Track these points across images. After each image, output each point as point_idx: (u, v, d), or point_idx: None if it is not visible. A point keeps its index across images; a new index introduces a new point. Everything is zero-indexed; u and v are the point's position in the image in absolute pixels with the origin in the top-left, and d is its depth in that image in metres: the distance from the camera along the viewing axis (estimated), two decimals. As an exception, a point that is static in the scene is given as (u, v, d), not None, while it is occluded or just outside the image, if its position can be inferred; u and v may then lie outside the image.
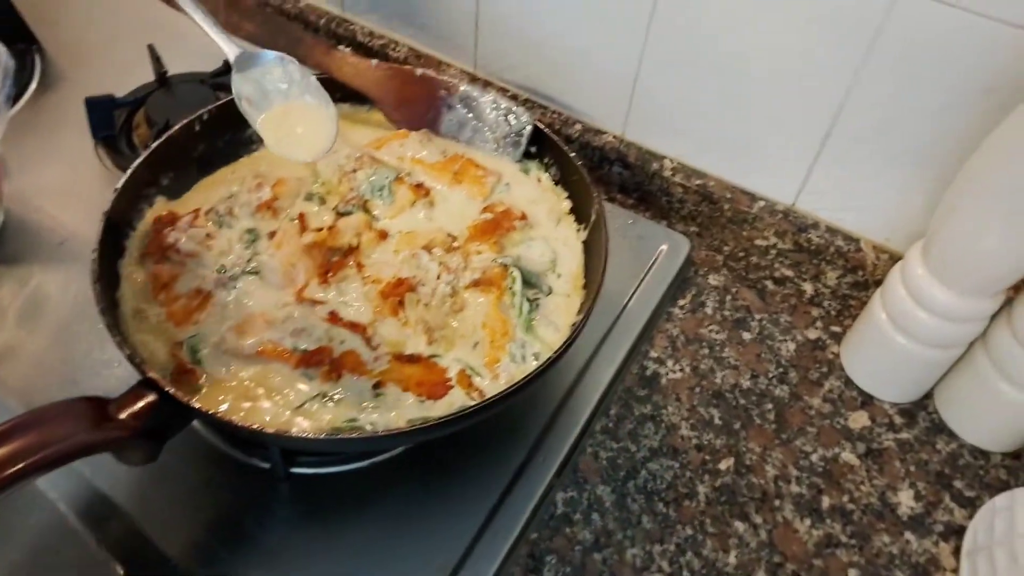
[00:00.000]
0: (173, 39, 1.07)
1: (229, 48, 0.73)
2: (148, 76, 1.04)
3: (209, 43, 1.07)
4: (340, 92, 0.88)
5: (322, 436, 0.60)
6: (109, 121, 0.99)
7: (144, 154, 0.76)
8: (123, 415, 0.58)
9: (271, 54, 0.74)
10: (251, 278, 0.72)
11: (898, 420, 0.84)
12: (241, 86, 0.73)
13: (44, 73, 1.09)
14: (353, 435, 0.62)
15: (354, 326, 0.69)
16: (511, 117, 0.84)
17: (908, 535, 0.75)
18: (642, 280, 0.91)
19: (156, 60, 1.03)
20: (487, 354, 0.71)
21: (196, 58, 1.07)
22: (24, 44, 1.09)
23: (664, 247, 0.94)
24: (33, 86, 1.07)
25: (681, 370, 0.86)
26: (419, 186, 0.81)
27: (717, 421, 0.82)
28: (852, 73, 0.80)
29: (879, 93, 0.80)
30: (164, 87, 1.03)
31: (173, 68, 1.04)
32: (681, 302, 0.93)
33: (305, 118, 0.74)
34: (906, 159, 0.83)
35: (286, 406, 0.64)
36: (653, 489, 0.77)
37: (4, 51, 0.84)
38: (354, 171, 0.80)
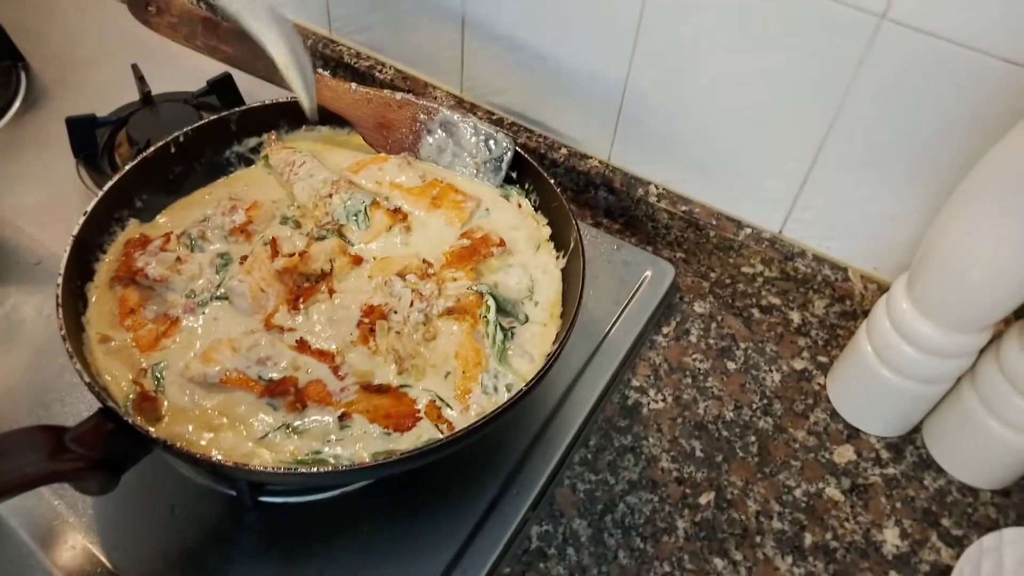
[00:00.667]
0: (158, 58, 1.06)
1: None
2: (133, 95, 1.04)
3: (193, 63, 1.07)
4: (319, 115, 0.87)
5: (281, 470, 0.59)
6: (91, 140, 0.98)
7: (116, 177, 0.75)
8: (80, 445, 0.57)
9: None
10: (220, 303, 0.71)
11: (885, 455, 0.82)
12: None
13: (28, 90, 1.08)
14: (314, 469, 0.60)
15: (322, 354, 0.68)
16: (491, 143, 0.83)
17: (893, 575, 0.73)
18: (625, 307, 0.89)
19: (140, 79, 1.02)
20: (458, 385, 0.69)
21: (180, 78, 1.06)
22: (9, 61, 1.08)
23: (649, 273, 0.93)
24: (17, 103, 1.07)
25: (663, 400, 0.85)
26: (396, 211, 0.80)
27: (699, 453, 0.81)
28: (838, 101, 0.79)
29: (865, 121, 0.79)
30: (148, 106, 1.02)
31: (157, 87, 1.04)
32: (665, 330, 0.91)
33: None
34: (893, 187, 0.82)
35: (249, 437, 0.63)
36: (631, 523, 0.75)
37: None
38: (330, 195, 0.79)
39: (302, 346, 0.68)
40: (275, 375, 0.65)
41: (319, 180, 0.80)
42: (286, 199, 0.81)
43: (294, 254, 0.73)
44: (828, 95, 0.79)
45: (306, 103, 0.80)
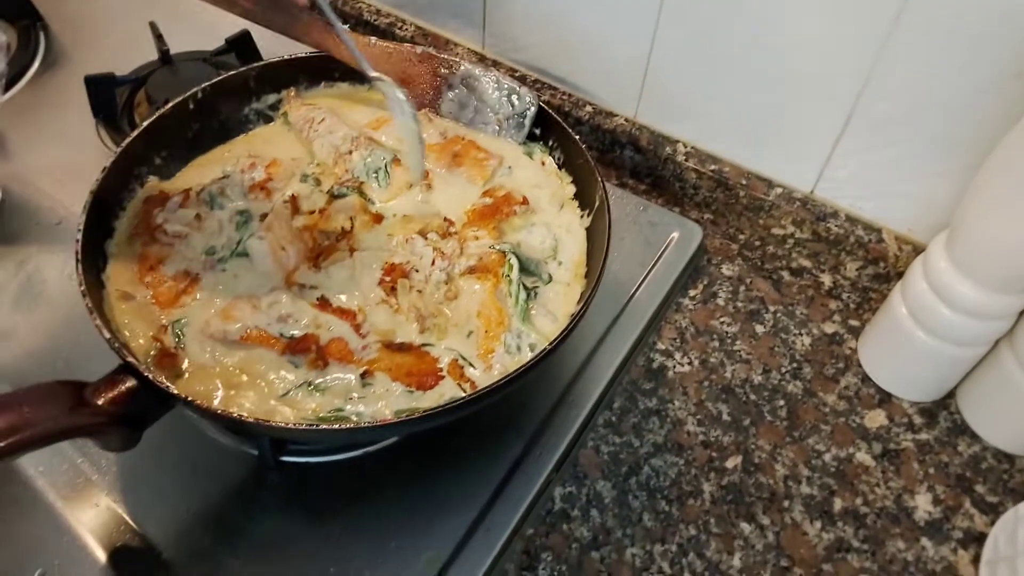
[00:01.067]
0: (176, 17, 1.05)
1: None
2: (151, 54, 1.03)
3: (211, 22, 1.06)
4: (338, 71, 0.85)
5: (304, 426, 0.58)
6: (110, 99, 0.97)
7: (135, 133, 0.74)
8: (101, 400, 0.57)
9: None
10: (240, 261, 0.70)
11: (918, 420, 0.80)
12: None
13: (47, 51, 1.08)
14: (337, 426, 0.59)
15: (343, 312, 0.67)
16: (514, 98, 0.81)
17: (924, 541, 0.71)
18: (652, 268, 0.87)
19: (158, 38, 1.01)
20: (481, 344, 0.68)
21: (198, 36, 1.05)
22: (29, 20, 1.07)
23: (676, 234, 0.90)
24: (36, 64, 1.06)
25: (689, 363, 0.83)
26: None
27: (726, 417, 0.79)
28: (874, 54, 0.75)
29: (903, 75, 0.76)
30: (166, 65, 1.01)
31: (175, 46, 1.02)
32: (692, 292, 0.89)
33: None
34: (931, 145, 0.79)
35: (271, 394, 0.62)
36: (656, 486, 0.74)
37: (3, 38, 0.83)
38: (350, 152, 0.77)
39: (323, 304, 0.67)
40: (296, 332, 0.64)
41: (339, 137, 0.79)
42: (306, 156, 0.80)
43: (314, 211, 0.72)
44: (864, 49, 0.76)
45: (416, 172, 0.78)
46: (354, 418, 0.61)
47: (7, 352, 0.78)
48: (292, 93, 0.85)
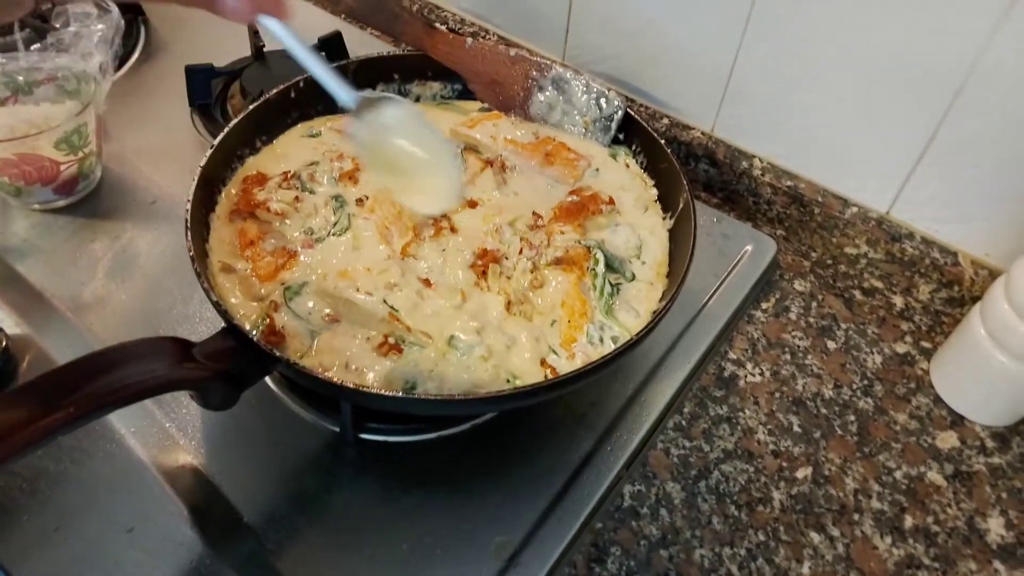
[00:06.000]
0: (272, 15, 1.09)
1: (346, 94, 0.65)
2: (245, 50, 1.07)
3: (305, 21, 1.10)
4: (431, 70, 0.89)
5: (397, 394, 0.60)
6: (207, 89, 1.01)
7: (243, 114, 0.77)
8: (205, 358, 0.59)
9: (393, 101, 0.66)
10: (339, 239, 0.73)
11: (990, 444, 0.79)
12: (358, 130, 0.66)
13: (147, 42, 1.13)
14: (425, 396, 0.61)
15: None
16: (602, 101, 0.83)
17: (997, 564, 0.70)
18: (724, 279, 0.88)
19: (254, 34, 1.05)
20: (564, 333, 0.69)
21: (292, 35, 1.09)
22: (131, 14, 1.13)
23: (749, 248, 0.91)
24: (136, 53, 1.11)
25: (761, 374, 0.83)
26: (488, 160, 0.82)
27: (796, 428, 0.79)
28: (964, 74, 0.76)
29: (991, 96, 0.76)
30: (259, 61, 1.05)
31: (269, 44, 1.07)
32: (764, 305, 0.90)
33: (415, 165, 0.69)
34: (1015, 169, 0.79)
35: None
36: (725, 491, 0.74)
37: (116, 10, 0.88)
38: None
39: (427, 284, 0.70)
40: (395, 304, 0.67)
41: None
42: None
43: None
44: (953, 68, 0.77)
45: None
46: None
47: (101, 319, 0.82)
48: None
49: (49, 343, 0.78)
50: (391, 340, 0.66)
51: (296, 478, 0.71)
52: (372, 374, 0.65)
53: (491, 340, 0.67)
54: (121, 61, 1.09)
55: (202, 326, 0.81)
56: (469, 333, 0.67)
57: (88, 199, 0.93)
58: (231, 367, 0.59)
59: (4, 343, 0.75)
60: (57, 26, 0.91)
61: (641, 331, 0.65)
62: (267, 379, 0.76)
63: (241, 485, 0.70)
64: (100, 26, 0.89)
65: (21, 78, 0.89)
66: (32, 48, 0.89)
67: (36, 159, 0.85)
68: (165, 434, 0.73)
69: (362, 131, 0.65)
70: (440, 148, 0.68)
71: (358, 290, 0.68)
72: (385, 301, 0.67)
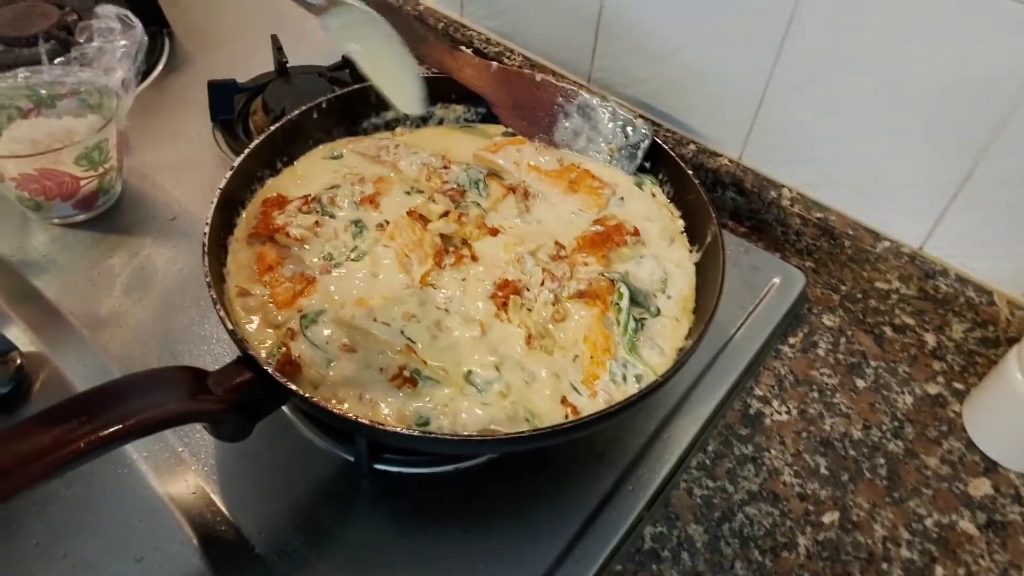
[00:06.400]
0: (295, 31, 1.09)
1: None
2: (268, 65, 1.06)
3: (326, 41, 1.10)
4: (456, 93, 0.87)
5: (413, 432, 0.58)
6: (229, 105, 1.01)
7: (263, 135, 0.76)
8: (220, 388, 0.58)
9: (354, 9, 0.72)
10: (358, 264, 0.71)
11: (1026, 492, 0.76)
12: (329, 23, 0.72)
13: (171, 55, 1.13)
14: (441, 435, 0.59)
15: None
16: (629, 129, 0.81)
17: (1033, 621, 0.68)
18: (751, 312, 0.86)
19: (278, 50, 1.05)
20: (586, 370, 0.67)
21: (316, 52, 1.08)
22: (156, 27, 1.13)
23: (777, 280, 0.89)
24: (160, 67, 1.11)
25: (787, 412, 0.81)
26: (510, 186, 0.80)
27: (823, 471, 0.76)
28: (1007, 107, 0.74)
29: (1036, 133, 0.74)
30: (283, 77, 1.04)
31: (293, 60, 1.06)
32: (792, 340, 0.87)
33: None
34: (1059, 207, 0.76)
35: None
36: (749, 535, 0.72)
37: (140, 27, 0.87)
38: (445, 167, 0.80)
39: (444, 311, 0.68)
40: (412, 336, 0.65)
41: (425, 155, 0.81)
42: (395, 176, 0.81)
43: (447, 212, 0.74)
44: (995, 102, 0.74)
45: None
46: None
47: (117, 335, 0.81)
48: (399, 131, 0.87)
49: (63, 362, 0.77)
50: (406, 373, 0.64)
51: (309, 509, 0.70)
52: (386, 407, 0.63)
53: (510, 376, 0.65)
54: (144, 74, 1.08)
55: (219, 347, 0.80)
56: (487, 368, 0.65)
57: (108, 214, 0.92)
58: (245, 398, 0.58)
59: (19, 361, 0.74)
60: (81, 41, 0.90)
61: (668, 371, 0.63)
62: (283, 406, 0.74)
63: (253, 514, 0.68)
64: (124, 42, 0.88)
65: (44, 91, 0.89)
66: (56, 62, 0.89)
67: (57, 174, 0.85)
68: (178, 459, 0.71)
69: (333, 24, 0.69)
70: (395, 62, 0.73)
71: (375, 319, 0.67)
72: (403, 332, 0.65)
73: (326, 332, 0.66)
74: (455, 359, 0.66)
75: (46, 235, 0.90)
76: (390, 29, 0.73)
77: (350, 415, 0.57)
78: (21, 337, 0.79)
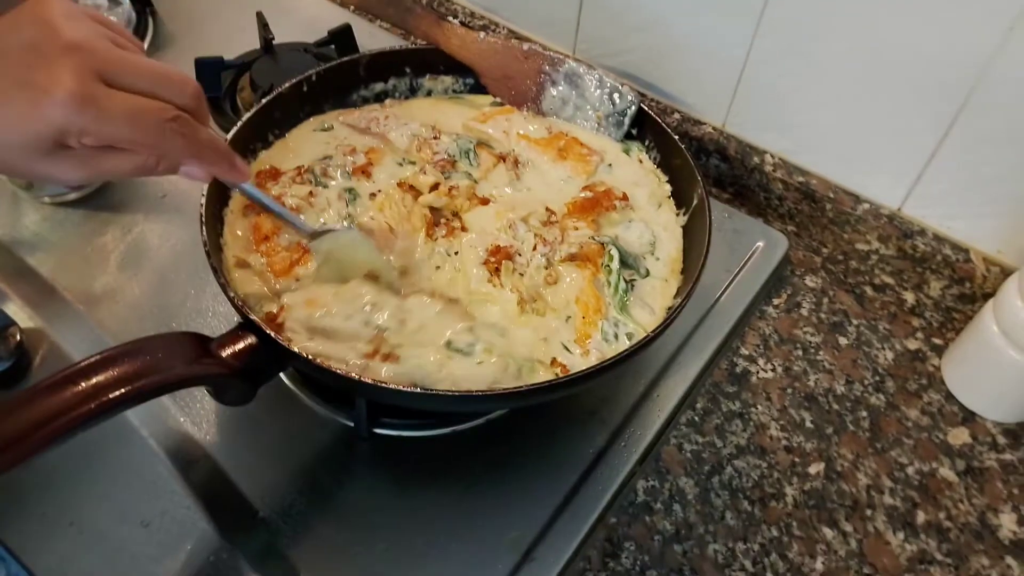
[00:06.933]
0: (280, 8, 1.09)
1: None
2: (254, 43, 1.06)
3: (314, 14, 1.10)
4: (444, 64, 0.88)
5: (418, 389, 0.60)
6: (216, 82, 1.01)
7: (255, 109, 0.77)
8: (223, 353, 0.59)
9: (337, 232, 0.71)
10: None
11: (1002, 440, 0.79)
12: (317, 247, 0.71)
13: (155, 34, 1.12)
14: (440, 391, 0.61)
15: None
16: (616, 96, 0.83)
17: (1009, 560, 0.71)
18: (736, 275, 0.88)
19: (264, 27, 1.05)
20: (578, 329, 0.69)
21: (301, 28, 1.09)
22: (139, 5, 1.12)
23: (761, 244, 0.91)
24: (145, 46, 1.10)
25: (773, 370, 0.83)
26: (500, 155, 0.81)
27: (808, 424, 0.79)
28: (980, 70, 0.76)
29: (1005, 94, 0.76)
30: (269, 53, 1.04)
31: (279, 37, 1.06)
32: (776, 301, 0.90)
33: None
34: (1031, 166, 0.79)
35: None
36: (738, 486, 0.74)
37: (127, 3, 0.87)
38: (435, 137, 0.81)
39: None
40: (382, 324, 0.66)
41: (415, 126, 0.82)
42: (386, 147, 0.82)
43: (438, 184, 0.75)
44: (968, 64, 0.76)
45: None
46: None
47: (113, 311, 0.81)
48: (388, 103, 0.88)
49: (62, 337, 0.78)
50: (382, 351, 0.65)
51: (310, 472, 0.72)
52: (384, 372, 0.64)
53: (488, 336, 0.66)
54: (129, 53, 1.08)
55: (215, 320, 0.81)
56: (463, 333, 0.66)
57: (98, 193, 0.92)
58: (248, 363, 0.59)
59: (19, 337, 0.75)
60: (67, 18, 0.90)
61: (656, 328, 0.65)
62: (281, 374, 0.76)
63: (256, 480, 0.70)
64: (111, 19, 0.88)
65: (31, 70, 0.89)
66: (42, 40, 0.89)
67: (47, 152, 0.85)
68: (180, 428, 0.73)
69: (321, 248, 0.69)
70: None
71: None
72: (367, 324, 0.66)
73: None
74: (430, 338, 0.66)
75: (37, 214, 0.90)
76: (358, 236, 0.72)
77: (353, 375, 0.59)
78: (19, 313, 0.79)
